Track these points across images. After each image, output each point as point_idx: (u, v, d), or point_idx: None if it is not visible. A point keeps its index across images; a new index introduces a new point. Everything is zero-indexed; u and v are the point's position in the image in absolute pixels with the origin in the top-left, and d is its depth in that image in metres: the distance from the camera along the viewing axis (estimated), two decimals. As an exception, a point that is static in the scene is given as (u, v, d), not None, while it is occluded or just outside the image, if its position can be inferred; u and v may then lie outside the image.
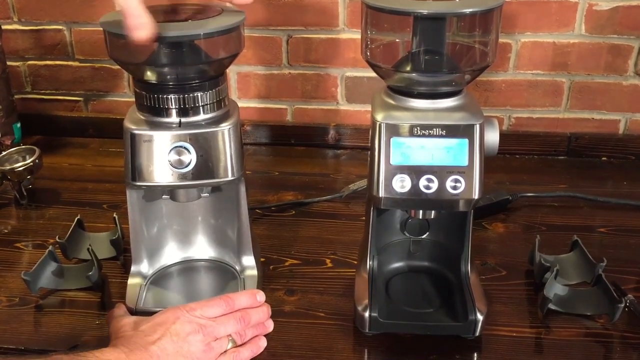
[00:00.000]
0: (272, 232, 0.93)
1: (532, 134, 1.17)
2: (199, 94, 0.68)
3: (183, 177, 0.68)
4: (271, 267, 0.85)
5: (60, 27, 1.19)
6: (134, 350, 0.60)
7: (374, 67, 0.72)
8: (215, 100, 0.70)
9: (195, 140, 0.68)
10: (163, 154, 0.67)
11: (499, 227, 0.94)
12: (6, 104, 1.14)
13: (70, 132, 1.25)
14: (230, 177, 0.69)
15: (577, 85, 1.15)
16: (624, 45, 1.10)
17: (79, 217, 0.88)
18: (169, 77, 0.68)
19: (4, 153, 1.01)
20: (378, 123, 0.68)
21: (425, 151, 0.67)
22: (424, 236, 0.78)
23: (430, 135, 0.67)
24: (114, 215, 0.88)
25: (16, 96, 1.21)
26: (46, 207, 1.00)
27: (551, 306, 0.73)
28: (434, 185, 0.66)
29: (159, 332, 0.63)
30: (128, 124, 0.69)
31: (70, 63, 1.23)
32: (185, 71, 0.67)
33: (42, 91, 1.26)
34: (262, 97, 1.22)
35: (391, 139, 0.67)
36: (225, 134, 0.69)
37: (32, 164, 0.99)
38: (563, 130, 1.18)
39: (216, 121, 0.70)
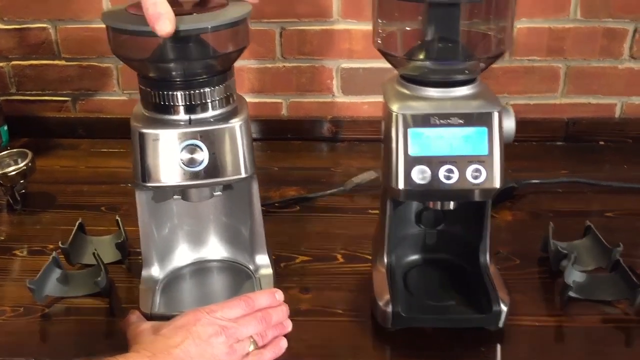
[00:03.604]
0: (279, 229, 0.91)
1: (529, 121, 1.17)
2: (207, 90, 0.66)
3: (195, 176, 0.65)
4: (282, 264, 0.83)
5: (44, 25, 1.15)
6: (157, 355, 0.58)
7: (386, 56, 0.70)
8: (224, 96, 0.68)
9: (206, 137, 0.65)
10: (174, 153, 0.65)
11: (506, 215, 0.93)
12: (-8, 106, 1.10)
13: (59, 133, 1.21)
14: (243, 175, 0.67)
15: (573, 70, 1.15)
16: (619, 29, 1.11)
17: (80, 220, 0.85)
18: (175, 73, 0.65)
19: (-6, 157, 0.97)
20: (394, 114, 0.66)
21: (444, 141, 0.66)
22: (439, 227, 0.77)
23: (448, 125, 0.65)
24: (117, 217, 0.85)
25: (1, 98, 1.16)
26: (41, 211, 0.96)
27: (571, 294, 0.73)
28: (454, 176, 0.65)
29: (181, 335, 0.60)
30: (135, 123, 0.66)
31: (56, 62, 1.19)
32: (192, 66, 0.65)
33: (28, 92, 1.22)
34: (257, 92, 1.20)
35: (408, 130, 0.66)
36: (236, 130, 0.67)
37: (25, 167, 0.95)
38: (560, 116, 1.18)
39: (226, 117, 0.68)
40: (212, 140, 0.66)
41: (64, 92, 1.22)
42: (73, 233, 0.83)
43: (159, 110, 0.67)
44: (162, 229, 0.74)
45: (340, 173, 1.08)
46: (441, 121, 0.66)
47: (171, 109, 0.66)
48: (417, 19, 0.69)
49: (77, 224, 0.84)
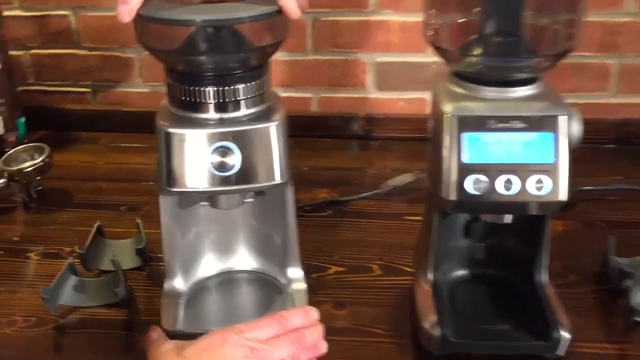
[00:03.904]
0: (310, 235, 0.84)
1: (577, 121, 1.09)
2: (240, 87, 0.60)
3: (225, 181, 0.59)
4: (314, 275, 0.76)
5: (65, 12, 1.10)
6: (181, 379, 0.52)
7: (439, 50, 0.63)
8: (258, 94, 0.61)
9: (239, 139, 0.59)
10: (203, 156, 0.59)
11: (557, 225, 0.86)
12: (9, 97, 1.04)
13: (79, 126, 1.15)
14: (277, 181, 0.61)
15: (627, 68, 1.06)
16: (679, 24, 1.02)
17: (98, 223, 0.80)
18: (207, 66, 0.59)
19: (10, 152, 0.92)
20: (447, 116, 0.59)
21: (502, 147, 0.59)
22: (489, 240, 0.70)
23: (508, 129, 0.59)
24: (137, 220, 0.80)
25: (19, 88, 1.11)
26: (58, 210, 0.91)
27: (637, 318, 0.65)
28: (514, 186, 0.58)
29: (207, 358, 0.54)
30: (162, 121, 0.60)
31: (76, 51, 1.13)
32: (226, 60, 0.59)
33: (47, 82, 1.16)
34: (285, 86, 1.13)
35: (463, 134, 0.59)
36: (272, 131, 0.60)
37: (42, 163, 0.90)
38: (611, 117, 1.09)
39: (260, 117, 0.61)
40: (245, 142, 0.59)
41: (84, 83, 1.16)
42: (91, 236, 0.77)
43: (188, 107, 0.60)
44: (186, 237, 0.68)
45: (374, 174, 1.02)
46: (500, 125, 0.59)
47: (200, 107, 0.60)
48: (474, 9, 0.62)
49: (95, 226, 0.79)
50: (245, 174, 0.60)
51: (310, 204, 0.92)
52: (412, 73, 1.10)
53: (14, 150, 0.92)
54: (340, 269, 0.78)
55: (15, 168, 0.89)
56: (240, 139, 0.59)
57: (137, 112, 1.13)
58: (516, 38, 0.60)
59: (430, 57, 1.09)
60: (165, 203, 0.63)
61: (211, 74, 0.59)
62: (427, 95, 1.12)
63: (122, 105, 1.16)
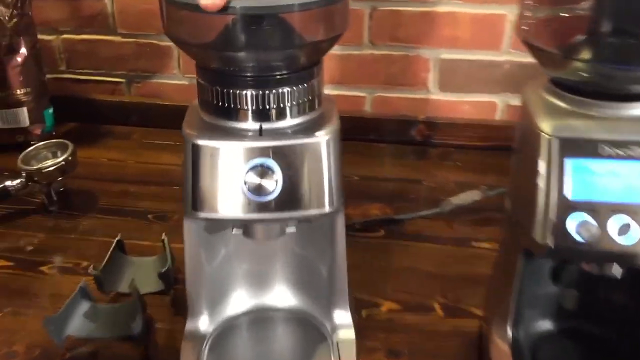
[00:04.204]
0: (359, 260, 0.72)
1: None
2: (286, 90, 0.48)
3: (263, 207, 0.48)
4: (363, 312, 0.65)
5: (100, -6, 1.01)
6: None
7: (535, 50, 0.50)
8: (307, 99, 0.50)
9: (281, 156, 0.48)
10: (237, 175, 0.48)
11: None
12: (36, 85, 0.96)
13: (111, 119, 1.06)
14: (327, 209, 0.49)
15: None
16: None
17: (119, 237, 0.70)
18: (245, 65, 0.47)
19: (30, 148, 0.83)
20: (547, 137, 0.46)
21: (618, 180, 0.46)
22: (585, 288, 0.57)
23: (626, 157, 0.45)
24: (163, 237, 0.69)
25: (49, 75, 1.03)
26: (80, 215, 0.82)
27: None
28: (633, 233, 0.45)
29: None
30: (189, 130, 0.49)
31: (111, 38, 1.04)
32: (269, 57, 0.47)
33: (79, 70, 1.07)
34: (336, 83, 1.01)
35: (567, 161, 0.46)
36: (323, 147, 0.49)
37: (64, 162, 0.80)
38: None
39: (309, 128, 0.50)
40: (289, 160, 0.48)
41: (118, 72, 1.07)
42: (109, 252, 0.68)
43: (221, 114, 0.49)
44: (214, 266, 0.57)
45: (434, 188, 0.89)
46: (616, 151, 0.46)
47: (237, 114, 0.49)
48: (583, 2, 0.49)
49: (115, 241, 0.69)
50: (288, 200, 0.48)
51: (359, 222, 0.80)
52: (481, 73, 0.97)
53: (34, 146, 0.83)
54: (395, 306, 0.66)
55: (35, 167, 0.80)
56: (284, 156, 0.48)
57: (174, 106, 1.03)
58: (638, 39, 0.47)
59: (504, 56, 0.96)
60: (190, 228, 0.52)
61: (250, 74, 0.48)
62: (497, 99, 0.99)
63: (158, 98, 1.06)
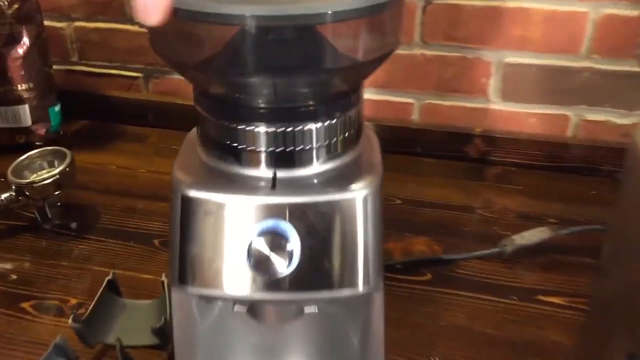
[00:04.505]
0: (399, 313, 0.60)
1: None
2: (311, 127, 0.35)
3: (275, 285, 0.35)
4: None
5: (115, -23, 0.89)
6: None
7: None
8: (340, 138, 0.37)
9: (301, 217, 0.35)
10: (241, 241, 0.35)
11: None
12: (40, 80, 0.85)
13: (125, 118, 0.95)
14: (361, 290, 0.36)
15: None
16: None
17: (111, 276, 0.58)
18: (259, 92, 0.35)
19: (23, 157, 0.72)
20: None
21: None
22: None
23: None
24: (163, 278, 0.58)
25: (59, 67, 0.92)
26: (77, 237, 0.71)
27: None
28: None
29: None
30: (181, 175, 0.37)
31: (127, 27, 0.92)
32: (291, 83, 0.34)
33: (92, 62, 0.96)
34: (380, 86, 0.88)
35: None
36: (358, 204, 0.36)
37: (58, 176, 0.69)
38: None
39: (341, 177, 0.37)
40: (311, 223, 0.35)
41: (135, 66, 0.95)
42: (97, 296, 0.56)
43: (224, 154, 0.37)
44: (212, 343, 0.45)
45: (491, 220, 0.75)
46: None
47: (245, 156, 0.36)
48: None
49: (105, 281, 0.57)
50: (308, 275, 0.35)
51: (401, 262, 0.67)
52: (552, 80, 0.82)
53: (27, 155, 0.72)
54: (443, 381, 0.54)
55: (26, 181, 0.69)
56: (305, 217, 0.35)
57: (193, 107, 0.91)
58: None
59: (582, 62, 0.80)
60: (180, 299, 0.40)
61: (265, 104, 0.35)
62: (570, 112, 0.84)
63: (178, 97, 0.94)
